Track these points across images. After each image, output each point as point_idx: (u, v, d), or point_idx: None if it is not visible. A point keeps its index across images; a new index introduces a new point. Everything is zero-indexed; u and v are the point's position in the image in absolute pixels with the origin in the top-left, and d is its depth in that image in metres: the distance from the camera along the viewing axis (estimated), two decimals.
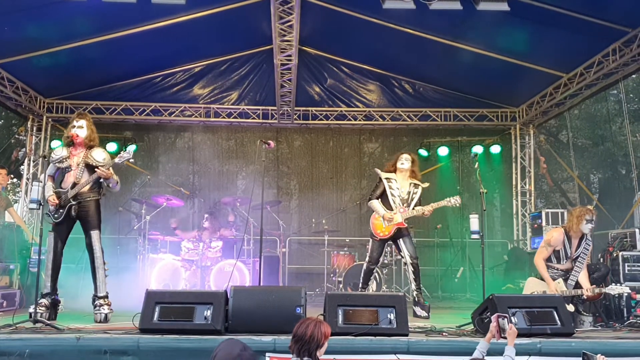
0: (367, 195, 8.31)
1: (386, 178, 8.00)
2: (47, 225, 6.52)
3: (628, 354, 5.11)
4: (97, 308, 6.56)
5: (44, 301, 6.49)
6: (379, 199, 7.94)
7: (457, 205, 7.99)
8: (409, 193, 7.92)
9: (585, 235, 6.97)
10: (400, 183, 7.96)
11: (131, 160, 6.72)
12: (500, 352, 4.35)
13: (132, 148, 7.37)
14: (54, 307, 6.62)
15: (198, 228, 10.18)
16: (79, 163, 6.68)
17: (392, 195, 7.89)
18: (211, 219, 10.02)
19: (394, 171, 8.07)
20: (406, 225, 7.87)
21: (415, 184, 8.00)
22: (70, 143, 6.81)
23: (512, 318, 4.77)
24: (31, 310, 6.08)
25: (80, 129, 6.72)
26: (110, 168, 6.65)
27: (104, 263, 6.71)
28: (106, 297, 6.64)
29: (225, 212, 11.25)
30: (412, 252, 7.85)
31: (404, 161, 7.98)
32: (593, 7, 8.23)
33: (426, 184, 8.15)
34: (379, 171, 8.18)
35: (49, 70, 10.66)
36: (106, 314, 6.52)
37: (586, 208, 7.14)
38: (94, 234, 6.68)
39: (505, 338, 4.40)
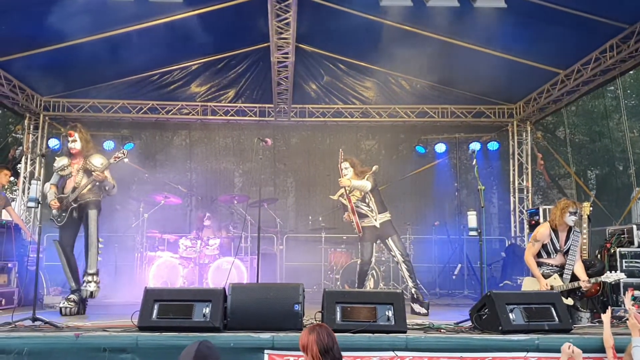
0: (361, 195, 8.12)
1: (340, 195, 8.15)
2: (46, 225, 6.87)
3: (625, 350, 5.11)
4: (85, 284, 6.88)
5: (73, 297, 6.90)
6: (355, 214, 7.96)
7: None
8: (357, 189, 8.01)
9: (572, 227, 6.97)
10: (349, 189, 7.98)
11: (125, 160, 7.05)
12: None
13: (128, 147, 7.76)
14: (82, 302, 7.00)
15: (197, 227, 10.20)
16: (79, 169, 7.18)
17: (355, 204, 7.96)
18: (212, 218, 10.05)
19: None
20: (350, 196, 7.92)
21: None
22: (70, 154, 7.36)
23: None
24: (61, 304, 6.75)
25: (74, 142, 7.25)
26: (106, 172, 7.09)
27: (98, 241, 7.05)
28: (96, 274, 6.94)
29: (223, 210, 11.26)
30: (402, 250, 7.96)
31: (345, 172, 8.00)
32: (590, 3, 8.25)
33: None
34: (334, 197, 8.31)
35: (46, 68, 10.60)
36: (92, 291, 6.85)
37: (570, 201, 7.12)
38: (92, 212, 7.07)
39: None
